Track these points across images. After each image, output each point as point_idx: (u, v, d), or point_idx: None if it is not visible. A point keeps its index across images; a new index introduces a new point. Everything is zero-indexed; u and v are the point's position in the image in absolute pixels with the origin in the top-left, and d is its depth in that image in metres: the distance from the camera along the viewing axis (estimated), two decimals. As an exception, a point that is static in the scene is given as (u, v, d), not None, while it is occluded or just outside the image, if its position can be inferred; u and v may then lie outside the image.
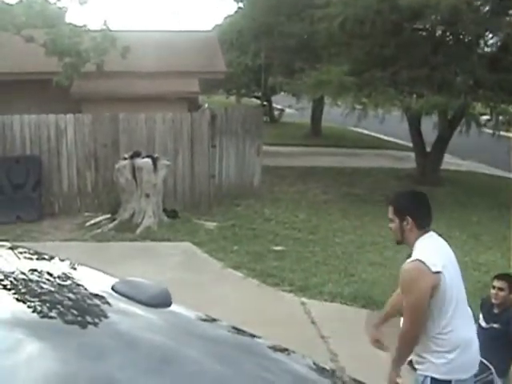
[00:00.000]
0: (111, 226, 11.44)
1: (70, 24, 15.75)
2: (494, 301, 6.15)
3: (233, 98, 36.36)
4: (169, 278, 8.58)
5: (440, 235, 4.39)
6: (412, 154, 18.87)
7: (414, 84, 13.40)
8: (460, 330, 4.20)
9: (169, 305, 2.41)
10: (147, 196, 11.45)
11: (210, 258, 10.03)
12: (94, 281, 2.69)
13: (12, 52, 14.10)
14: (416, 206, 4.41)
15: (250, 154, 14.24)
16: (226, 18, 33.01)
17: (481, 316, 6.36)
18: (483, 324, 6.27)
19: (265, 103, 31.04)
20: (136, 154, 11.66)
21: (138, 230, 11.20)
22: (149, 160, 11.48)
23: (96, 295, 2.42)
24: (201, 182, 13.22)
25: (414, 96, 13.02)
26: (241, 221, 12.09)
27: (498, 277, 6.29)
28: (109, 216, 11.82)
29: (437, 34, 15.81)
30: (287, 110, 36.42)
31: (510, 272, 7.01)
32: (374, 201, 14.67)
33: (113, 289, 2.45)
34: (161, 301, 2.39)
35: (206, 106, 20.09)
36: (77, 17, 38.83)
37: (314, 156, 22.22)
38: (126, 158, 11.66)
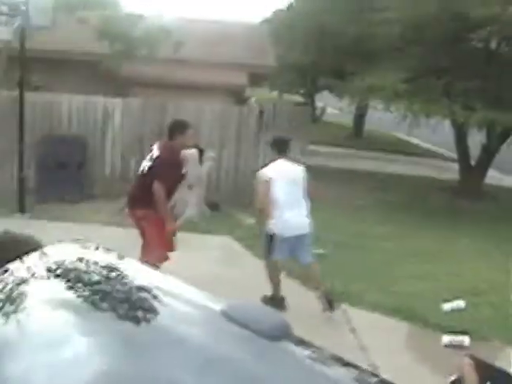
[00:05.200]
0: (152, 214, 11.37)
1: (125, 10, 15.77)
2: None
3: (275, 93, 36.15)
4: (208, 272, 8.56)
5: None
6: (454, 165, 18.65)
7: (467, 96, 13.17)
8: (285, 210, 7.55)
9: (288, 336, 2.26)
10: (190, 187, 11.40)
11: (250, 254, 9.96)
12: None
13: (64, 31, 14.16)
14: (276, 143, 8.13)
15: (295, 153, 14.05)
16: (275, 11, 32.89)
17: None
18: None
19: (307, 101, 30.87)
20: (182, 144, 11.59)
21: (179, 221, 11.14)
22: (195, 151, 11.42)
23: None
24: (245, 177, 13.12)
25: (466, 108, 12.78)
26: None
27: None
28: (150, 204, 11.75)
29: (492, 46, 15.51)
30: (328, 110, 36.17)
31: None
32: (414, 210, 14.50)
33: (223, 314, 2.31)
34: (281, 332, 2.25)
35: (254, 100, 20.00)
36: (132, 3, 38.71)
37: (355, 159, 22.07)
38: (172, 147, 11.59)
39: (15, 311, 2.18)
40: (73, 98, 13.38)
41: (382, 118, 22.02)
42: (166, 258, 7.56)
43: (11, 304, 2.21)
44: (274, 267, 7.90)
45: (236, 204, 12.65)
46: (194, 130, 12.65)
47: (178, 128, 7.62)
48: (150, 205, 7.33)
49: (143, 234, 7.77)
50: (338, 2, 16.71)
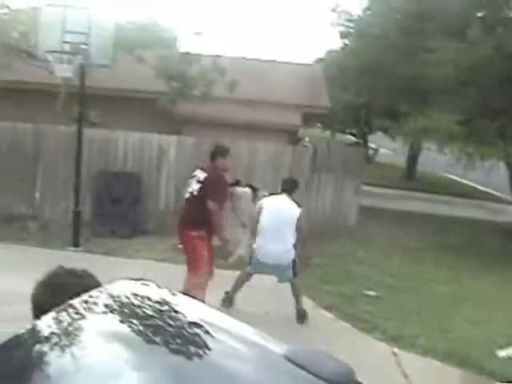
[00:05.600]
0: (204, 251, 11.43)
1: (182, 50, 16.05)
2: None
3: (328, 133, 36.27)
4: (257, 310, 8.53)
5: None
6: (510, 207, 18.39)
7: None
8: (264, 238, 8.55)
9: (352, 382, 2.23)
10: (243, 226, 11.43)
11: (300, 294, 9.89)
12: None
13: (122, 69, 14.45)
14: (282, 182, 9.22)
15: (348, 193, 14.09)
16: (328, 52, 33.10)
17: None
18: None
19: (359, 141, 30.87)
20: (236, 183, 11.68)
21: (231, 259, 11.12)
22: (249, 190, 11.48)
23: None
24: (297, 217, 13.13)
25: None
26: (333, 260, 11.93)
27: None
28: (202, 241, 11.82)
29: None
30: (382, 150, 36.09)
31: None
32: (469, 253, 14.28)
33: (286, 358, 2.27)
34: (345, 377, 2.21)
35: (307, 139, 20.05)
36: (188, 42, 39.32)
37: (408, 200, 21.90)
38: (226, 186, 11.70)
39: (72, 345, 2.21)
40: (129, 135, 13.63)
41: (435, 160, 21.90)
42: (208, 280, 8.03)
43: (68, 338, 2.25)
44: (244, 274, 9.15)
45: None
46: (248, 167, 12.82)
47: (220, 152, 8.31)
48: (202, 226, 7.89)
49: (192, 254, 8.12)
50: (391, 43, 16.73)
